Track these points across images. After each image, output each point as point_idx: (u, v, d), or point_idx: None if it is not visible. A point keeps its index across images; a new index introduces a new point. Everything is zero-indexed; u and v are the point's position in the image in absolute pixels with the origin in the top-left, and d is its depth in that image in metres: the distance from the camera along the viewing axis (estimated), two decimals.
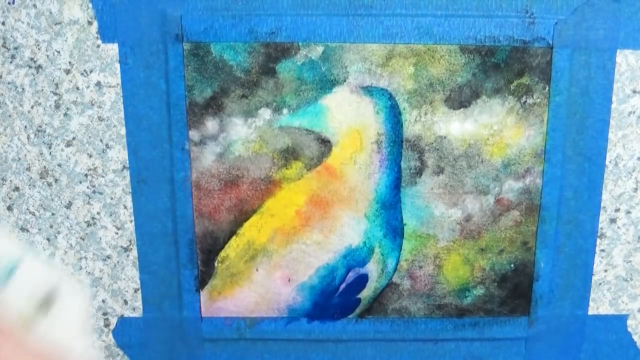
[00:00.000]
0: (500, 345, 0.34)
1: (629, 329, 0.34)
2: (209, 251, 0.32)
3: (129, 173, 0.31)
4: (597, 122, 0.31)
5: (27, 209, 0.32)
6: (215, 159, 0.31)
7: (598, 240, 0.33)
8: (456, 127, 0.31)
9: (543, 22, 0.29)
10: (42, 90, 0.30)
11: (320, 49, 0.30)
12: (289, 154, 0.31)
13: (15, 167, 0.31)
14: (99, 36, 0.29)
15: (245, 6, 0.29)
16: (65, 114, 0.30)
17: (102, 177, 0.31)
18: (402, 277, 0.33)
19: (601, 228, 0.32)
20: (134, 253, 0.32)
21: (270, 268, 0.32)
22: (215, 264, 0.32)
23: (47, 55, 0.29)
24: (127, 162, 0.31)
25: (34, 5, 0.28)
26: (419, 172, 0.31)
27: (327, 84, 0.30)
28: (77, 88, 0.30)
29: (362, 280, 0.33)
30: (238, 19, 0.29)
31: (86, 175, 0.31)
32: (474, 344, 0.34)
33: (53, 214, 0.32)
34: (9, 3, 0.28)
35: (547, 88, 0.30)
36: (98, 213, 0.32)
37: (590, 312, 0.34)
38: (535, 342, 0.34)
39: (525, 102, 0.30)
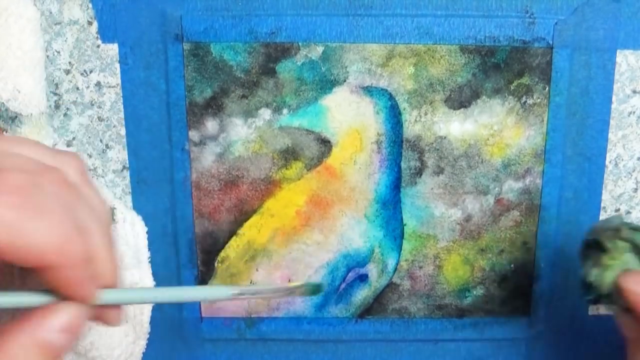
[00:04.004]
0: (501, 345, 0.34)
1: None
2: (209, 251, 0.32)
3: (129, 173, 0.31)
4: (597, 122, 0.31)
5: None
6: (215, 159, 0.31)
7: None
8: (456, 127, 0.31)
9: (543, 22, 0.29)
10: None
11: (320, 49, 0.30)
12: (289, 154, 0.31)
13: None
14: (99, 36, 0.29)
15: (245, 6, 0.29)
16: (65, 114, 0.30)
17: (102, 177, 0.31)
18: (402, 277, 0.33)
19: None
20: None
21: (270, 268, 0.32)
22: (215, 264, 0.32)
23: (47, 56, 0.29)
24: (127, 162, 0.31)
25: (34, 5, 0.28)
26: (419, 172, 0.31)
27: (327, 84, 0.30)
28: (77, 88, 0.30)
29: (362, 280, 0.33)
30: (238, 19, 0.29)
31: None
32: (474, 344, 0.34)
33: None
34: None
35: (547, 88, 0.30)
36: None
37: (590, 312, 0.34)
38: (536, 342, 0.34)
39: (525, 102, 0.30)
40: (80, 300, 0.20)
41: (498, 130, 0.31)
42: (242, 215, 0.32)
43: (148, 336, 0.33)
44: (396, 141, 0.31)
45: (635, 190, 0.32)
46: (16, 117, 0.28)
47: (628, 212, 0.32)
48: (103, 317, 0.23)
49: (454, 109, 0.30)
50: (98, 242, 0.21)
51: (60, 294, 0.20)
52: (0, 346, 0.19)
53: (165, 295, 0.24)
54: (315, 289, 0.27)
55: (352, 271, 0.33)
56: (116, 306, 0.23)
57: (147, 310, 0.32)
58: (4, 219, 0.17)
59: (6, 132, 0.27)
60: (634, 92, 0.31)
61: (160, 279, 0.32)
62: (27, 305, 0.21)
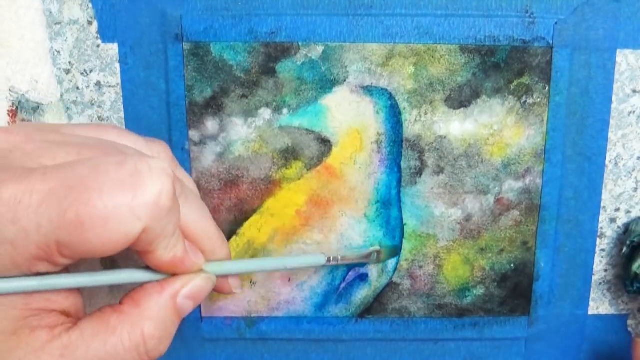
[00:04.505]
0: (500, 345, 0.34)
1: (629, 329, 0.34)
2: None
3: None
4: (597, 122, 0.31)
5: None
6: (215, 159, 0.31)
7: (598, 240, 0.33)
8: (456, 127, 0.31)
9: (543, 22, 0.29)
10: None
11: (320, 48, 0.30)
12: (289, 154, 0.31)
13: None
14: (99, 36, 0.29)
15: (245, 6, 0.29)
16: (66, 114, 0.30)
17: None
18: (402, 277, 0.33)
19: (601, 228, 0.32)
20: None
21: None
22: None
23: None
24: None
25: None
26: (419, 172, 0.31)
27: (327, 83, 0.30)
28: (77, 88, 0.30)
29: (362, 279, 0.33)
30: (238, 19, 0.29)
31: None
32: (474, 344, 0.34)
33: None
34: None
35: (547, 88, 0.30)
36: None
37: (590, 312, 0.34)
38: (535, 342, 0.34)
39: (525, 102, 0.30)
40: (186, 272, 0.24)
41: (498, 130, 0.31)
42: (242, 214, 0.32)
43: None
44: (396, 141, 0.31)
45: (635, 190, 0.32)
46: (38, 107, 0.28)
47: (628, 212, 0.32)
48: (219, 288, 0.27)
49: (454, 108, 0.30)
50: (205, 221, 0.25)
51: (169, 270, 0.23)
52: (141, 302, 0.23)
53: (266, 266, 0.28)
54: (393, 251, 0.32)
55: (352, 271, 0.33)
56: (233, 277, 0.28)
57: None
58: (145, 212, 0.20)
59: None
60: (634, 91, 0.31)
61: None
62: (142, 281, 0.23)
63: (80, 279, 0.22)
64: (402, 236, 0.32)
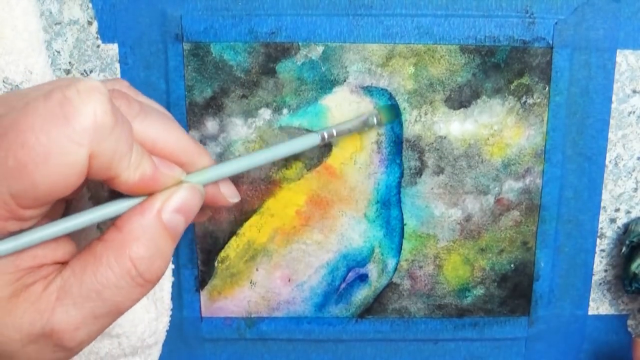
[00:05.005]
0: (500, 345, 0.34)
1: (629, 329, 0.34)
2: (209, 251, 0.32)
3: None
4: (597, 122, 0.31)
5: None
6: (215, 159, 0.31)
7: (598, 240, 0.33)
8: (456, 127, 0.31)
9: (543, 22, 0.29)
10: None
11: (320, 49, 0.30)
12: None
13: None
14: (99, 36, 0.29)
15: (245, 6, 0.29)
16: None
17: None
18: (402, 277, 0.33)
19: (601, 228, 0.32)
20: None
21: (270, 268, 0.32)
22: (215, 264, 0.32)
23: (47, 56, 0.29)
24: None
25: None
26: (419, 172, 0.31)
27: (327, 84, 0.30)
28: None
29: (362, 280, 0.33)
30: (238, 19, 0.29)
31: None
32: (474, 344, 0.34)
33: None
34: None
35: (547, 88, 0.30)
36: None
37: (590, 312, 0.34)
38: (535, 342, 0.34)
39: (525, 102, 0.30)
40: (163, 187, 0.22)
41: (498, 130, 0.31)
42: (242, 215, 0.32)
43: (170, 313, 0.33)
44: (396, 141, 0.31)
45: (635, 190, 0.32)
46: None
47: (628, 212, 0.32)
48: (213, 201, 0.25)
49: (454, 108, 0.30)
50: (175, 134, 0.23)
51: (145, 191, 0.22)
52: (124, 227, 0.21)
53: (255, 160, 0.25)
54: (390, 110, 0.29)
55: (352, 271, 0.33)
56: (226, 186, 0.26)
57: (167, 286, 0.32)
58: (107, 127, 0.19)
59: None
60: (634, 92, 0.31)
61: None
62: (126, 209, 0.22)
63: (60, 226, 0.21)
64: (402, 236, 0.32)
